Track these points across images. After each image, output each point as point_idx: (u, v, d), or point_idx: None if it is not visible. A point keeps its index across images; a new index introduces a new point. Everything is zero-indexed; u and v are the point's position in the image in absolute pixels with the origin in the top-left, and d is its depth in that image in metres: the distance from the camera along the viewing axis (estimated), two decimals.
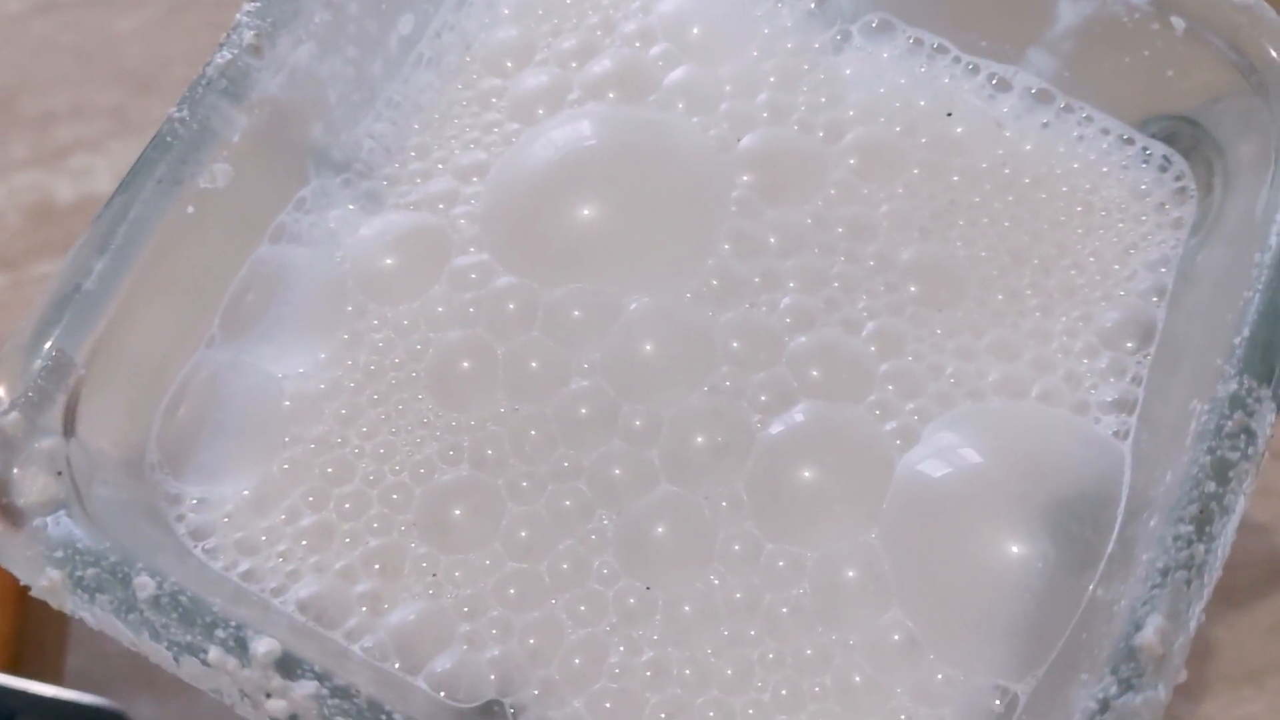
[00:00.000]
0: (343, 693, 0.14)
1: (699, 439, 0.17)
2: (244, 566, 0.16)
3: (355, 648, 0.16)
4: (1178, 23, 0.18)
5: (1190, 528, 0.14)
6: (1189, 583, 0.14)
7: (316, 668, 0.14)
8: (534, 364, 0.18)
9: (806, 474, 0.17)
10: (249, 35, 0.17)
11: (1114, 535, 0.16)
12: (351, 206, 0.19)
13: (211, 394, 0.17)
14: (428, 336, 0.18)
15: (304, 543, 0.17)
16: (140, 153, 0.16)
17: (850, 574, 0.16)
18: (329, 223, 0.18)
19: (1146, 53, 0.18)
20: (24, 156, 0.39)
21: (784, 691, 0.16)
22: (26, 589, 0.26)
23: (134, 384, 0.16)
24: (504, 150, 0.19)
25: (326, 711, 0.14)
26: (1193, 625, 0.14)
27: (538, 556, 0.17)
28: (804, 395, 0.17)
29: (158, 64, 0.40)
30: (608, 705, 0.16)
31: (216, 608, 0.14)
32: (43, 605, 0.27)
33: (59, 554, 0.14)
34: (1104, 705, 0.13)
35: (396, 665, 0.16)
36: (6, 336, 0.38)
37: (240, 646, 0.14)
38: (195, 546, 0.16)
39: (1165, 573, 0.14)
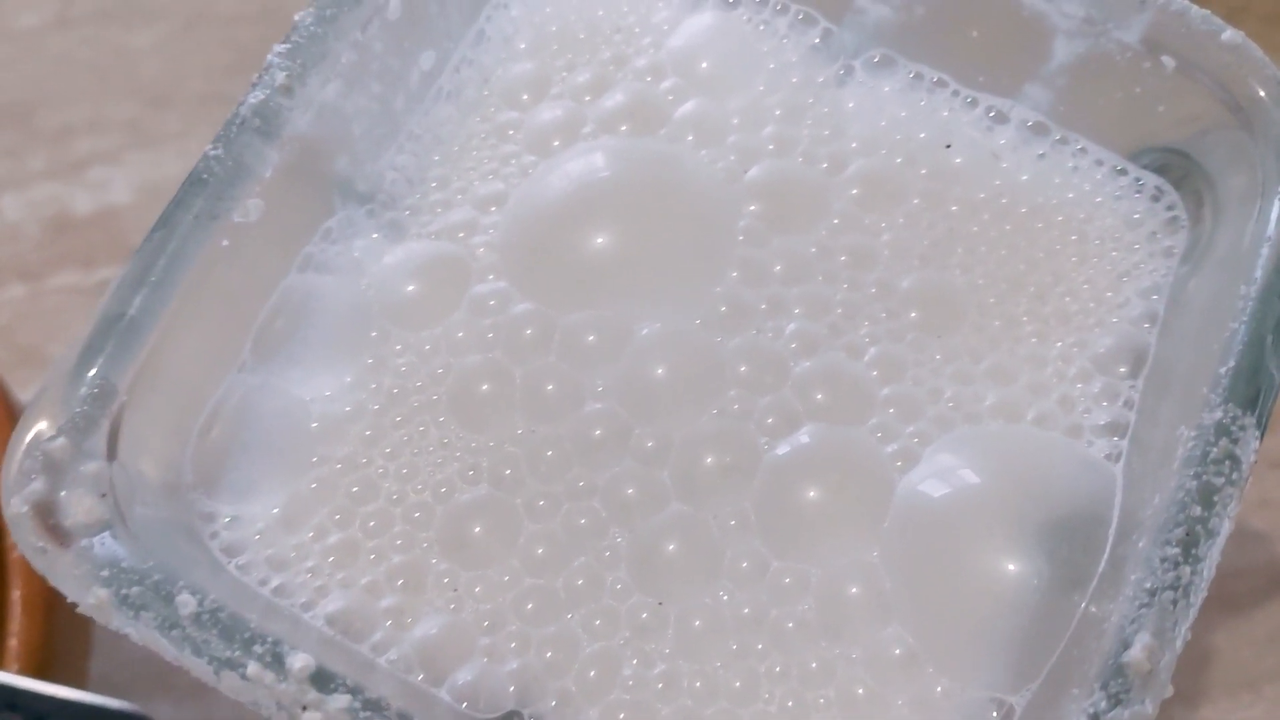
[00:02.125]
0: (374, 705, 0.14)
1: (708, 460, 0.18)
2: (275, 582, 0.17)
3: (381, 660, 0.17)
4: (1168, 61, 0.18)
5: (1177, 550, 0.15)
6: (1175, 603, 0.15)
7: (349, 681, 0.15)
8: (550, 387, 0.18)
9: (811, 494, 0.17)
10: (280, 76, 0.17)
11: (1105, 555, 0.16)
12: (375, 236, 0.19)
13: (243, 416, 0.18)
14: (448, 361, 0.19)
15: (331, 559, 0.17)
16: (178, 162, 0.17)
17: (853, 590, 0.17)
18: (354, 252, 0.19)
19: (1138, 89, 0.19)
20: (42, 169, 0.39)
21: (790, 703, 0.17)
22: (53, 598, 0.27)
23: (171, 408, 0.17)
24: (521, 181, 0.20)
25: None
26: (1179, 644, 0.14)
27: (554, 573, 0.17)
28: (808, 418, 0.18)
29: (173, 79, 0.40)
30: (621, 716, 0.17)
31: (253, 623, 0.15)
32: (68, 613, 0.28)
33: (105, 573, 0.15)
34: (1094, 719, 0.14)
35: (420, 677, 0.17)
36: (26, 346, 0.39)
37: (277, 661, 0.14)
38: (229, 563, 0.17)
39: (1153, 593, 0.15)
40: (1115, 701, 0.14)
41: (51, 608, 0.27)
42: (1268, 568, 0.33)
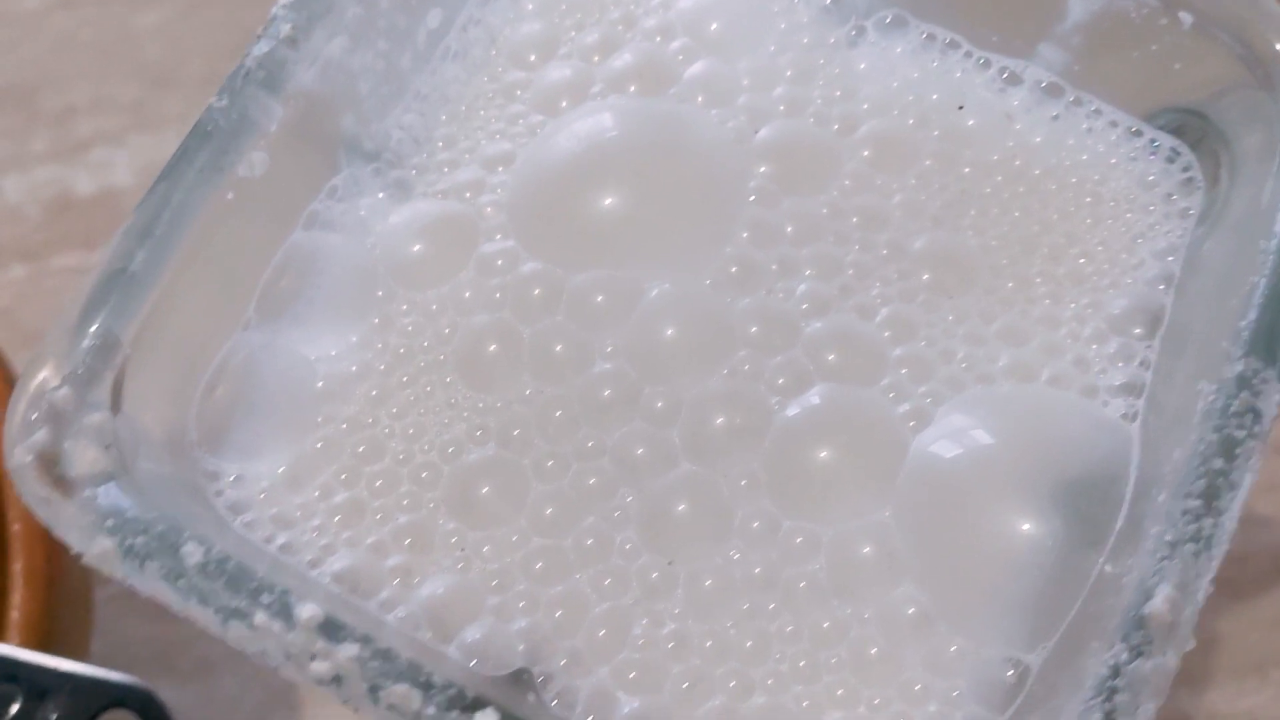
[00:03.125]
0: (384, 655, 0.14)
1: (718, 420, 0.18)
2: (281, 540, 0.17)
3: (389, 618, 0.16)
4: (1185, 17, 0.18)
5: (1198, 502, 0.15)
6: (1197, 555, 0.14)
7: (358, 632, 0.14)
8: (558, 347, 0.18)
9: (823, 454, 0.17)
10: (285, 28, 0.17)
11: (1123, 513, 0.16)
12: (381, 195, 0.19)
13: (247, 375, 0.18)
14: (455, 320, 0.18)
15: (337, 518, 0.17)
16: (181, 141, 0.17)
17: (865, 550, 0.17)
18: (360, 210, 0.19)
19: (1154, 47, 0.19)
20: (44, 150, 0.39)
21: (801, 663, 0.17)
22: (54, 571, 0.27)
23: (175, 364, 0.17)
24: (529, 141, 0.20)
25: (368, 673, 0.14)
26: (1200, 596, 0.14)
27: (562, 532, 0.17)
28: (820, 378, 0.18)
29: (177, 60, 0.40)
30: (632, 675, 0.16)
31: (261, 573, 0.15)
32: (69, 589, 0.28)
33: (110, 523, 0.15)
34: (1115, 671, 0.14)
35: (428, 635, 0.16)
36: (28, 327, 0.39)
37: (285, 611, 0.14)
38: (234, 520, 0.17)
39: (1174, 545, 0.14)
40: (1137, 653, 0.14)
41: (53, 581, 0.27)
42: (1273, 552, 0.33)
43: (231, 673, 0.32)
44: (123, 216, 0.41)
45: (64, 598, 0.28)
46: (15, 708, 0.24)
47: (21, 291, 0.37)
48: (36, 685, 0.24)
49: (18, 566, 0.27)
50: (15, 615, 0.26)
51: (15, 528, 0.27)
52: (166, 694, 0.29)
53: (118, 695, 0.25)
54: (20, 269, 0.38)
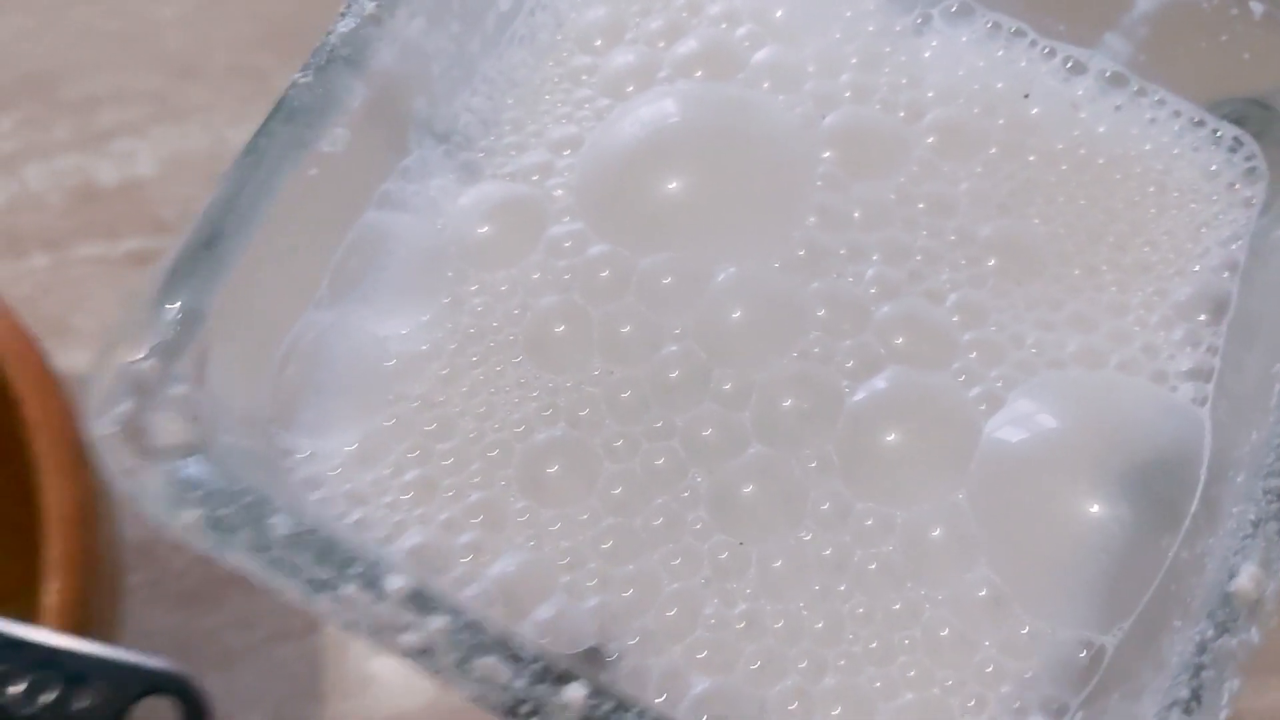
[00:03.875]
0: (473, 627, 0.14)
1: (788, 403, 0.18)
2: (355, 516, 0.17)
3: (462, 595, 0.16)
4: (1256, 7, 0.18)
5: (1278, 482, 0.15)
6: None
7: (447, 603, 0.14)
8: (627, 329, 0.18)
9: (894, 437, 0.17)
10: (370, 6, 0.17)
11: (1197, 497, 0.16)
12: (451, 176, 0.19)
13: (319, 352, 0.18)
14: (525, 301, 0.18)
15: (408, 495, 0.17)
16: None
17: (937, 533, 0.17)
18: (430, 191, 0.19)
19: (1224, 37, 0.19)
20: (66, 140, 0.39)
21: (874, 644, 0.17)
22: (91, 557, 0.27)
23: (253, 340, 0.17)
24: (596, 125, 0.20)
25: (458, 645, 0.14)
26: None
27: (633, 512, 0.17)
28: (890, 362, 0.18)
29: (199, 50, 0.40)
30: (703, 655, 0.16)
31: (348, 545, 0.15)
32: (103, 577, 0.28)
33: (196, 494, 0.15)
34: (1201, 648, 0.14)
35: (501, 613, 0.16)
36: (50, 316, 0.38)
37: (373, 582, 0.14)
38: (308, 496, 0.17)
39: (1256, 524, 0.15)
40: (1222, 630, 0.14)
41: (89, 567, 0.27)
42: None
43: (255, 665, 0.32)
44: (146, 207, 0.41)
45: (97, 587, 0.27)
46: (53, 694, 0.24)
47: (43, 281, 0.37)
48: (73, 670, 0.24)
49: (55, 552, 0.27)
50: (53, 600, 0.26)
51: (54, 513, 0.27)
52: None
53: (155, 681, 0.25)
54: (42, 258, 0.38)
